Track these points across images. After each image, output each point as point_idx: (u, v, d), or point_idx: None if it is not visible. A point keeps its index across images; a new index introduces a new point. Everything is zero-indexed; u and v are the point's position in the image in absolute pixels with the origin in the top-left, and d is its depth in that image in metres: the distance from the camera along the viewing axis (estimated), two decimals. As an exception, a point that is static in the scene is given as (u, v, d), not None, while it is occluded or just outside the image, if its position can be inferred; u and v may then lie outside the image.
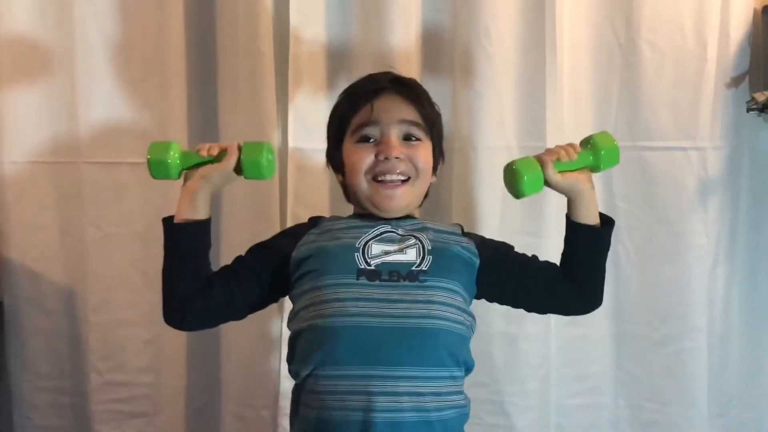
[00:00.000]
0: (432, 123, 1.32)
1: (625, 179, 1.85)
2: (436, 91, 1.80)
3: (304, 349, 1.23)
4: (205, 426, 1.91)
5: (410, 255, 1.24)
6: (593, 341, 1.89)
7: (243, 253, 1.32)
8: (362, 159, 1.27)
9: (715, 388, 1.88)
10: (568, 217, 1.32)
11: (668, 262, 1.85)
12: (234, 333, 1.86)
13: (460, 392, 1.25)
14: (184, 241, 1.23)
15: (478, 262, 1.29)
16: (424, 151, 1.30)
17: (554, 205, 1.82)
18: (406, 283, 1.22)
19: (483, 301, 1.77)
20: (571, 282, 1.32)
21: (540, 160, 1.25)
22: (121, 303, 1.85)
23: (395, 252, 1.25)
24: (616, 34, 1.81)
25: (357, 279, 1.21)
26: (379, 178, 1.27)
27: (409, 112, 1.29)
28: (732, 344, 1.91)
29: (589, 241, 1.31)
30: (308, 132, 1.78)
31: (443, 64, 1.81)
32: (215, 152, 1.23)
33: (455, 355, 1.23)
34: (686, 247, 1.85)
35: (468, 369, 1.28)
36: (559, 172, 1.25)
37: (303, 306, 1.24)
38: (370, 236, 1.26)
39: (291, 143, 1.79)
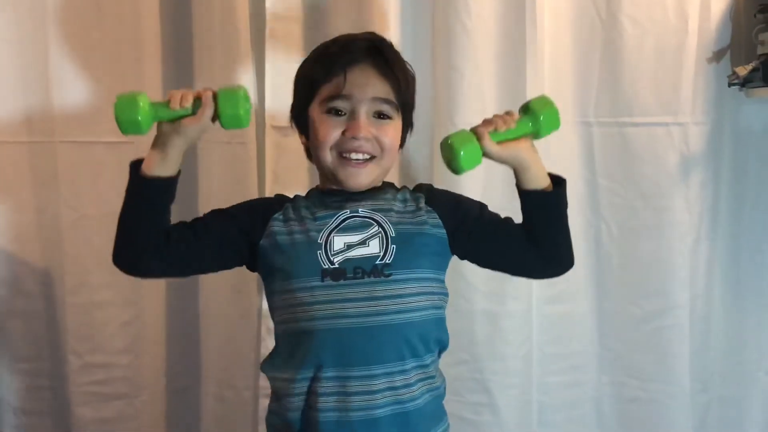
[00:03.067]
0: (404, 98, 1.28)
1: (606, 156, 1.84)
2: (415, 67, 1.77)
3: (283, 353, 1.25)
4: (186, 407, 1.90)
5: (373, 247, 1.22)
6: (575, 319, 1.89)
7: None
8: (329, 133, 1.23)
9: (697, 364, 1.89)
10: (517, 186, 1.28)
11: (650, 239, 1.85)
12: (214, 313, 1.85)
13: (433, 376, 1.25)
14: (151, 196, 1.19)
15: (444, 233, 1.27)
16: (392, 130, 1.26)
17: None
18: (371, 279, 1.19)
19: (466, 279, 1.80)
20: (534, 246, 1.28)
21: (476, 132, 1.21)
22: (99, 284, 1.83)
23: (358, 245, 1.22)
24: (597, 9, 1.80)
25: (322, 281, 1.19)
26: (345, 155, 1.24)
27: (382, 89, 1.25)
28: (714, 320, 1.91)
29: (541, 206, 1.27)
30: (286, 110, 1.75)
31: (422, 40, 1.79)
32: (188, 103, 1.15)
33: (428, 341, 1.23)
34: (668, 224, 1.84)
35: (443, 347, 1.28)
36: (498, 142, 1.21)
37: (277, 306, 1.24)
38: (332, 226, 1.23)
39: (269, 121, 1.77)
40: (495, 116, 1.24)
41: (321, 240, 1.22)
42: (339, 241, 1.22)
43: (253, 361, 1.84)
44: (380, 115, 1.25)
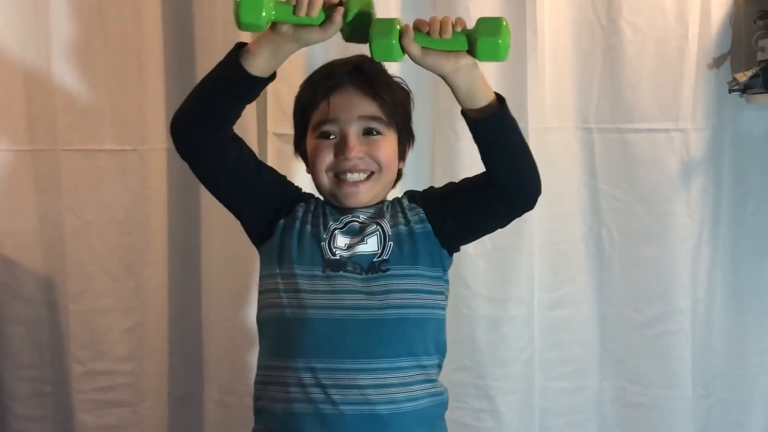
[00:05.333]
0: (395, 113, 1.29)
1: (607, 161, 1.85)
2: (415, 74, 1.78)
3: (271, 339, 1.26)
4: (189, 414, 1.90)
5: (371, 244, 1.24)
6: (577, 324, 1.90)
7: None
8: (322, 157, 1.26)
9: (698, 369, 1.89)
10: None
11: (651, 244, 1.86)
12: (216, 320, 1.85)
13: (432, 380, 1.25)
14: (241, 87, 1.17)
15: (429, 226, 1.27)
16: (385, 145, 1.27)
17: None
18: (369, 275, 1.22)
19: (467, 285, 1.80)
20: (497, 179, 1.19)
21: (404, 28, 1.11)
22: (101, 291, 1.82)
23: (358, 243, 1.24)
24: (597, 15, 1.81)
25: (323, 271, 1.22)
26: (341, 176, 1.26)
27: (368, 107, 1.26)
28: (715, 325, 1.92)
29: (481, 128, 1.17)
30: (287, 117, 1.72)
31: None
32: (315, 14, 1.08)
33: (424, 342, 1.23)
34: (669, 229, 1.85)
35: (441, 353, 1.28)
36: (424, 47, 1.10)
37: (272, 288, 1.24)
38: (337, 225, 1.26)
39: (270, 128, 1.78)
40: (435, 19, 1.12)
41: (326, 235, 1.25)
42: (341, 240, 1.25)
43: (255, 368, 1.83)
44: (370, 132, 1.26)
